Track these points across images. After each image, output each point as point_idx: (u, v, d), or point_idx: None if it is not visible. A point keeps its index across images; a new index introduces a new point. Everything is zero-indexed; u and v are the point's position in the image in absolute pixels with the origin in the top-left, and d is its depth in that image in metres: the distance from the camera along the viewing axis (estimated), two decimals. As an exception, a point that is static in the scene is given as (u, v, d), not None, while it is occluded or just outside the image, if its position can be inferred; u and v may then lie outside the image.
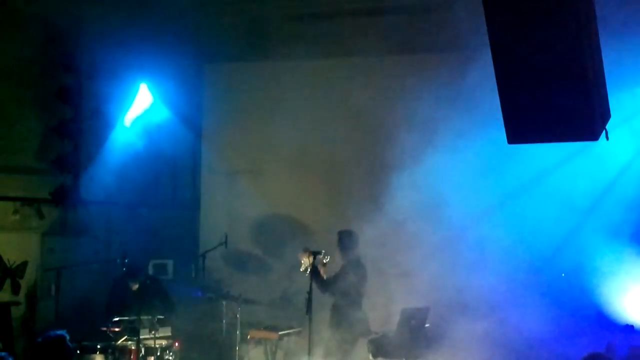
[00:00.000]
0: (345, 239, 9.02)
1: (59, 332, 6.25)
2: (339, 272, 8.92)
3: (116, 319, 8.87)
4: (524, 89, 4.45)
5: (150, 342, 8.67)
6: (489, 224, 9.53)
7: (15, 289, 10.36)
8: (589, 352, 7.69)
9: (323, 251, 8.74)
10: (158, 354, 8.72)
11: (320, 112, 10.65)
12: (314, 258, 8.49)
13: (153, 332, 8.67)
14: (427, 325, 8.62)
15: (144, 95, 11.51)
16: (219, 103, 11.52)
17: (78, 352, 8.48)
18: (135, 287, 9.33)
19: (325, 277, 8.84)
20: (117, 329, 8.80)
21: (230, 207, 11.21)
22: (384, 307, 8.86)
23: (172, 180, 11.98)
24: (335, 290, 8.77)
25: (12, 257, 10.30)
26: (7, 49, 10.29)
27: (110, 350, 8.61)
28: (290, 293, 10.22)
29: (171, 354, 8.82)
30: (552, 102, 4.42)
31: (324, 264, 8.82)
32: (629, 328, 8.65)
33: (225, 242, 10.19)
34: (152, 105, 11.58)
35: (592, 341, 8.67)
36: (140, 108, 11.53)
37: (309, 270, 8.57)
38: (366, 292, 9.02)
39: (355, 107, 10.46)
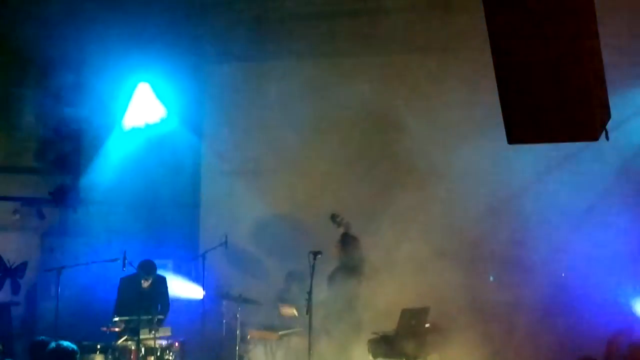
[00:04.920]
0: (348, 242, 9.10)
1: (72, 345, 6.37)
2: (332, 274, 9.00)
3: (116, 318, 8.87)
4: (524, 89, 4.45)
5: (150, 342, 8.66)
6: (491, 223, 9.53)
7: (15, 289, 10.36)
8: (583, 355, 7.73)
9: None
10: (158, 354, 8.71)
11: (320, 112, 10.64)
12: (314, 258, 8.50)
13: (153, 332, 8.67)
14: (427, 325, 8.62)
15: (144, 95, 11.51)
16: (220, 103, 11.52)
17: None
18: (148, 283, 9.34)
19: None
20: (117, 329, 8.80)
21: (230, 207, 11.20)
22: (384, 307, 8.85)
23: (172, 180, 11.98)
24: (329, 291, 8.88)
25: (12, 257, 10.30)
26: (7, 49, 10.29)
27: (110, 350, 8.60)
28: (290, 293, 10.21)
29: (171, 354, 8.82)
30: (552, 102, 4.42)
31: None
32: (629, 327, 8.65)
33: (225, 242, 10.18)
34: (152, 106, 11.57)
35: (593, 340, 8.67)
36: (140, 108, 11.53)
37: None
38: (363, 293, 9.03)
39: (356, 107, 10.46)
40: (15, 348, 9.94)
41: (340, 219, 9.22)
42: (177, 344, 8.97)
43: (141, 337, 8.61)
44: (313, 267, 8.46)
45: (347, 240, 9.16)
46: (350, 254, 9.12)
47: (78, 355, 6.71)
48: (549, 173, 9.48)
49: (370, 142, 10.44)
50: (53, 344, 6.58)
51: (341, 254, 9.13)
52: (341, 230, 9.22)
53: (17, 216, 10.44)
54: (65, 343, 6.61)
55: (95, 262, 9.80)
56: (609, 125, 4.57)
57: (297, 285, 9.93)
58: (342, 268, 9.08)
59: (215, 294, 10.17)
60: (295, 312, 9.26)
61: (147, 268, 9.32)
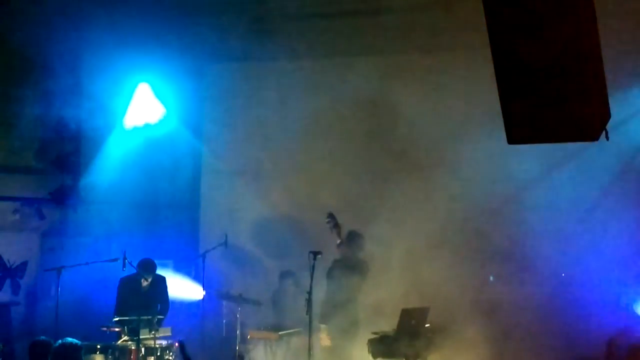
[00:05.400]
0: (353, 239, 9.07)
1: (76, 340, 6.46)
2: (334, 266, 8.99)
3: (116, 318, 8.87)
4: (524, 89, 4.45)
5: (150, 342, 8.66)
6: (489, 223, 9.53)
7: (15, 289, 10.35)
8: (584, 356, 7.74)
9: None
10: (158, 354, 8.71)
11: (320, 112, 10.64)
12: (314, 258, 8.50)
13: (153, 332, 8.67)
14: (427, 325, 8.62)
15: (144, 95, 11.51)
16: (219, 103, 11.52)
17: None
18: (147, 282, 9.34)
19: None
20: (117, 329, 8.80)
21: (230, 207, 11.21)
22: (384, 307, 8.85)
23: (172, 180, 11.98)
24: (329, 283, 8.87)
25: (12, 257, 10.30)
26: (7, 49, 10.29)
27: (110, 350, 8.60)
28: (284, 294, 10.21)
29: (171, 354, 8.81)
30: (552, 103, 4.42)
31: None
32: (629, 327, 8.65)
33: (225, 242, 10.18)
34: (151, 106, 11.57)
35: (592, 341, 8.67)
36: (140, 108, 11.53)
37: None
38: (362, 292, 9.02)
39: (356, 107, 10.47)
40: (15, 348, 9.94)
41: (333, 223, 9.12)
42: (177, 344, 8.96)
43: (141, 337, 8.60)
44: (313, 267, 8.45)
45: (354, 238, 9.13)
46: (354, 251, 9.10)
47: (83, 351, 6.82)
48: (549, 173, 9.48)
49: (370, 142, 10.44)
50: (60, 341, 6.66)
51: (346, 250, 9.10)
52: (333, 231, 9.15)
53: (17, 216, 10.43)
54: (70, 339, 6.70)
55: (95, 262, 9.81)
56: (609, 125, 4.56)
57: (291, 286, 9.94)
58: (341, 263, 9.06)
59: (215, 294, 10.17)
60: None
61: (147, 267, 9.32)
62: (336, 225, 9.06)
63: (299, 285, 9.55)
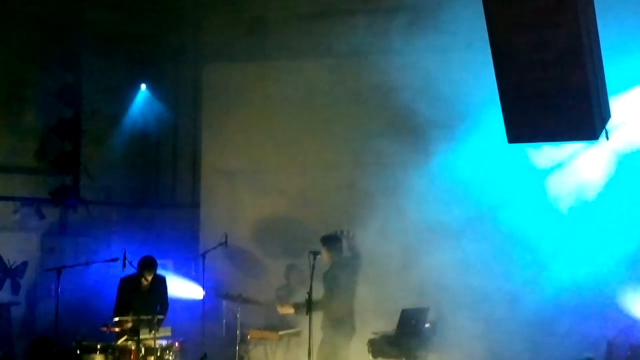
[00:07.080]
0: (329, 243, 9.05)
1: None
2: (326, 272, 8.99)
3: (116, 318, 8.87)
4: (524, 89, 4.46)
5: (150, 342, 8.66)
6: (489, 223, 9.52)
7: (15, 289, 10.36)
8: (585, 356, 7.73)
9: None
10: (158, 354, 8.70)
11: (319, 112, 10.65)
12: (314, 258, 8.49)
13: (153, 332, 8.66)
14: (427, 325, 8.63)
15: (144, 95, 11.52)
16: (219, 103, 11.52)
17: (78, 352, 8.49)
18: (147, 282, 9.32)
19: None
20: (117, 329, 8.80)
21: (230, 207, 11.21)
22: (384, 307, 8.85)
23: (172, 180, 11.99)
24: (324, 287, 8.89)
25: (12, 257, 10.30)
26: (7, 49, 10.30)
27: (110, 350, 8.59)
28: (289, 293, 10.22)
29: (171, 354, 8.81)
30: (552, 102, 4.43)
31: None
32: (630, 327, 8.65)
33: (225, 242, 10.19)
34: (152, 105, 11.58)
35: (592, 340, 8.67)
36: (140, 108, 11.54)
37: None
38: (356, 293, 9.02)
39: (355, 107, 10.46)
40: (15, 348, 9.94)
41: (345, 234, 9.16)
42: (177, 344, 8.96)
43: (141, 337, 8.60)
44: (313, 267, 8.45)
45: (330, 241, 9.12)
46: (339, 252, 9.09)
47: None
48: (549, 172, 9.47)
49: (370, 142, 10.43)
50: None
51: (331, 256, 9.08)
52: (349, 244, 9.16)
53: (17, 216, 10.43)
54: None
55: (95, 262, 9.80)
56: (608, 125, 4.57)
57: (295, 280, 9.94)
58: (336, 266, 9.07)
59: (215, 294, 10.17)
60: (292, 311, 9.12)
61: (148, 263, 9.29)
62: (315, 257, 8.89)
63: (303, 279, 9.50)
